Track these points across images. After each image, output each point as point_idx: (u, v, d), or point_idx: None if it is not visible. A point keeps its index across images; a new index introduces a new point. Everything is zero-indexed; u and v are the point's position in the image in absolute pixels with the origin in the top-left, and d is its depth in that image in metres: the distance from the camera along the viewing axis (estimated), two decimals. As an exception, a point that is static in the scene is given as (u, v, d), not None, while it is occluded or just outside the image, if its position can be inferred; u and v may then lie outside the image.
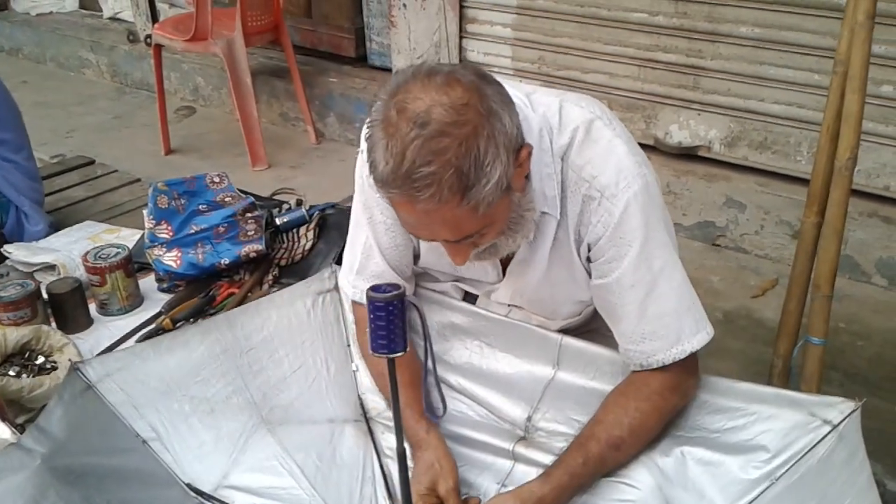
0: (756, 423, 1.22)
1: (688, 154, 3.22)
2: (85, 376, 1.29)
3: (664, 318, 1.25)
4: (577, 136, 1.24)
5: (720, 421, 1.26)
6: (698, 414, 1.28)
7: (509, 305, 1.46)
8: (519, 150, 1.13)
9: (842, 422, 1.12)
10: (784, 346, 1.83)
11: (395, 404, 1.04)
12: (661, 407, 1.27)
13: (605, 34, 3.24)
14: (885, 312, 2.73)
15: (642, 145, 3.42)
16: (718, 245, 3.18)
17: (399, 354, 1.00)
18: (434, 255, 1.41)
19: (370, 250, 1.43)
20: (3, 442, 1.11)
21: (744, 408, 1.24)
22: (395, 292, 0.98)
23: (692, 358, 1.28)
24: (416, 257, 1.47)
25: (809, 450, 1.13)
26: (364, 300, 1.38)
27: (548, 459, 1.31)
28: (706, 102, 3.12)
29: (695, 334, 1.27)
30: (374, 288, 0.99)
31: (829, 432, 1.12)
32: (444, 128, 1.02)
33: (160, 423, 1.32)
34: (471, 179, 1.04)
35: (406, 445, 1.22)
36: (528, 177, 1.21)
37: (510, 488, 1.26)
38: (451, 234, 1.14)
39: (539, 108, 1.24)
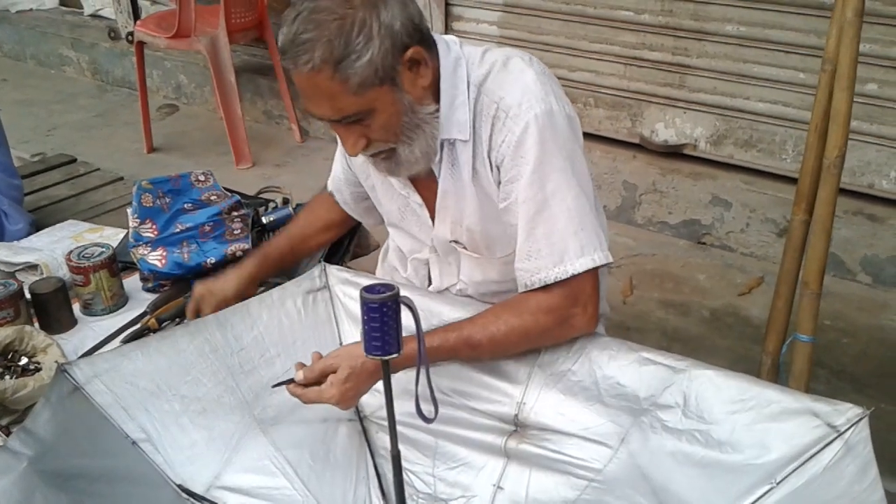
0: (756, 420, 1.17)
1: (673, 152, 3.23)
2: (72, 378, 1.26)
3: (551, 237, 1.29)
4: (494, 68, 1.34)
5: (717, 413, 1.20)
6: (694, 399, 1.22)
7: (451, 242, 1.47)
8: (404, 49, 1.22)
9: (848, 429, 1.08)
10: (773, 344, 1.84)
11: (388, 405, 1.02)
12: (530, 327, 1.31)
13: (590, 32, 3.25)
14: (869, 310, 2.75)
15: (628, 144, 3.43)
16: (704, 243, 3.19)
17: (394, 356, 0.98)
18: (387, 196, 1.53)
19: (336, 163, 1.72)
20: (-13, 445, 1.09)
21: (743, 401, 1.19)
22: (389, 293, 0.96)
23: (580, 287, 1.30)
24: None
25: (813, 455, 1.09)
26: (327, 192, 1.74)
27: (539, 452, 1.30)
28: (692, 101, 3.13)
29: (579, 257, 1.29)
30: (367, 289, 0.97)
31: (835, 439, 1.08)
32: (328, 4, 1.18)
33: (150, 424, 1.30)
34: (339, 52, 1.17)
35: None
36: (436, 97, 1.31)
37: (505, 490, 1.25)
38: (331, 109, 1.23)
39: (465, 47, 1.37)
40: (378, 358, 0.98)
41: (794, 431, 1.12)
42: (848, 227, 2.82)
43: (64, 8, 5.75)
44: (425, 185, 1.44)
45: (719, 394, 1.21)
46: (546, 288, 1.31)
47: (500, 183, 1.34)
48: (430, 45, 1.30)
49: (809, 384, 1.78)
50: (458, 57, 1.34)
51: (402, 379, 1.24)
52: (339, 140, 1.60)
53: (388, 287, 0.97)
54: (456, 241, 1.47)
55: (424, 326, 1.36)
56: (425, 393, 1.09)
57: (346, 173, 1.67)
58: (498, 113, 1.30)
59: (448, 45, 1.35)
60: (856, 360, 2.51)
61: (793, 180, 1.85)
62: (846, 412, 1.09)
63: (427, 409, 1.10)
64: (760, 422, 1.16)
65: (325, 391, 1.28)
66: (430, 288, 1.58)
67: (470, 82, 1.33)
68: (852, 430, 1.07)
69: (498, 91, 1.31)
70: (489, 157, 1.33)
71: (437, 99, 1.32)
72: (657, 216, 3.26)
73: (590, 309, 1.33)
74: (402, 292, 0.98)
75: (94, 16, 5.48)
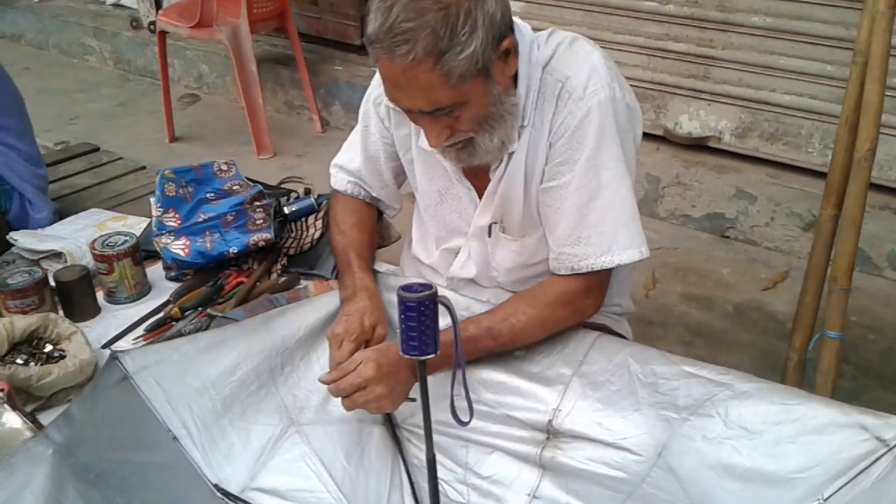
0: (801, 433, 1.12)
1: (697, 145, 3.20)
2: (123, 366, 1.26)
3: (602, 226, 1.31)
4: (560, 48, 1.32)
5: (760, 424, 1.16)
6: (737, 410, 1.18)
7: (492, 224, 1.46)
8: (501, 39, 1.19)
9: None
10: (799, 340, 1.81)
11: (425, 407, 1.00)
12: (547, 317, 1.34)
13: (614, 23, 3.22)
14: (896, 306, 2.71)
15: (652, 136, 3.39)
16: (728, 237, 3.16)
17: (430, 356, 0.96)
18: (426, 177, 1.49)
19: (354, 147, 1.60)
20: (14, 432, 1.09)
21: (788, 412, 1.15)
22: (427, 292, 0.93)
23: (600, 278, 1.36)
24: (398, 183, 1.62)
25: (863, 470, 1.04)
26: (339, 187, 1.64)
27: (575, 464, 1.25)
28: (717, 93, 3.09)
29: (626, 249, 1.32)
30: (405, 287, 0.95)
31: (885, 453, 1.04)
32: None
33: (192, 422, 1.29)
34: (444, 44, 1.12)
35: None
36: (515, 84, 1.29)
37: (541, 500, 1.24)
38: (425, 101, 1.19)
39: (535, 31, 1.35)
40: (415, 358, 0.96)
41: (841, 445, 1.08)
42: (875, 221, 2.78)
43: (87, -3, 5.79)
44: (473, 171, 1.42)
45: (762, 405, 1.16)
46: (567, 277, 1.35)
47: (546, 162, 1.33)
48: (515, 33, 1.27)
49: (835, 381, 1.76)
50: (531, 41, 1.32)
51: (436, 384, 1.20)
52: (360, 129, 1.58)
53: (426, 286, 0.95)
54: (494, 223, 1.46)
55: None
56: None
57: (385, 150, 1.56)
58: (562, 93, 1.29)
59: (521, 29, 1.31)
60: (882, 356, 2.47)
61: (819, 174, 1.82)
62: None
63: (462, 412, 1.08)
64: (806, 434, 1.11)
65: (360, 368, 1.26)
66: (450, 271, 1.56)
67: (539, 63, 1.31)
68: None
69: (564, 70, 1.29)
70: (547, 138, 1.32)
71: (517, 86, 1.30)
72: (680, 209, 3.23)
73: (599, 299, 1.40)
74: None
75: (117, 5, 5.51)
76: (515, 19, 1.32)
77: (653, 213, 3.28)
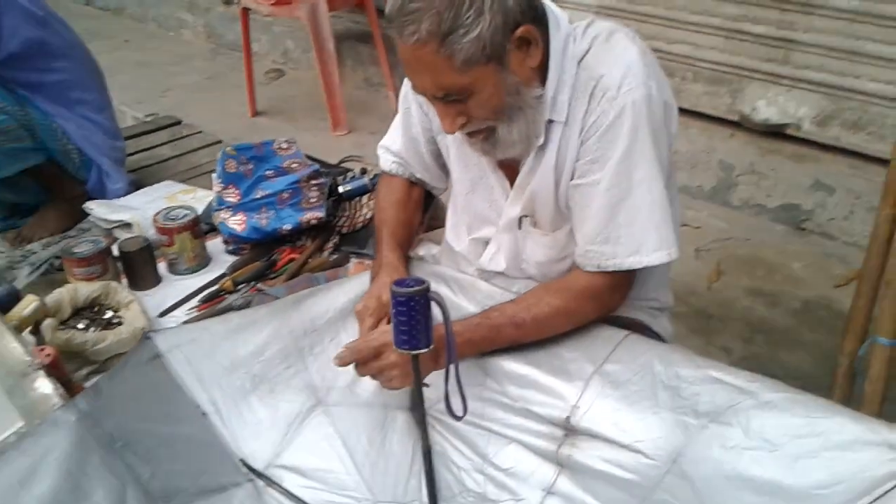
0: (825, 448, 1.08)
1: (775, 132, 3.07)
2: (156, 345, 1.33)
3: (632, 226, 1.29)
4: (596, 42, 1.30)
5: (782, 435, 1.12)
6: (759, 420, 1.14)
7: (522, 217, 1.46)
8: (516, 26, 1.19)
9: None
10: (851, 345, 1.74)
11: (419, 399, 1.02)
12: (572, 309, 1.33)
13: (690, 3, 3.10)
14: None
15: (727, 121, 3.26)
16: (803, 229, 3.04)
17: (423, 351, 0.98)
18: (460, 163, 1.51)
19: (396, 131, 1.64)
20: (44, 398, 1.16)
21: (812, 425, 1.10)
22: (417, 287, 0.95)
23: (628, 276, 1.35)
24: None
25: (888, 491, 0.99)
26: (385, 167, 1.67)
27: (591, 464, 1.23)
28: (797, 78, 2.95)
29: (655, 251, 1.30)
30: (398, 282, 0.96)
31: None
32: None
33: (221, 399, 1.34)
34: (447, 25, 1.13)
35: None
36: (544, 80, 1.27)
37: (556, 497, 1.22)
38: (432, 84, 1.21)
39: (574, 22, 1.34)
40: (406, 352, 0.98)
41: (866, 463, 1.03)
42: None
43: (184, -28, 6.00)
44: (507, 163, 1.43)
45: (786, 416, 1.12)
46: (593, 273, 1.34)
47: (577, 159, 1.32)
48: (543, 24, 1.26)
49: (890, 391, 1.68)
50: (567, 34, 1.30)
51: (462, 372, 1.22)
52: (401, 111, 1.61)
53: (419, 281, 0.96)
54: (525, 216, 1.46)
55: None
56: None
57: (424, 134, 1.58)
58: (595, 91, 1.27)
59: (558, 21, 1.30)
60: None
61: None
62: None
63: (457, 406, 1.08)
64: (829, 450, 1.07)
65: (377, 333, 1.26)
66: (479, 262, 1.57)
67: (574, 57, 1.29)
68: None
69: (598, 67, 1.27)
70: (579, 135, 1.31)
71: (543, 81, 1.28)
72: (754, 199, 3.12)
73: (625, 294, 1.39)
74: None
75: (212, -20, 5.69)
76: (554, 9, 1.30)
77: (725, 202, 3.18)
